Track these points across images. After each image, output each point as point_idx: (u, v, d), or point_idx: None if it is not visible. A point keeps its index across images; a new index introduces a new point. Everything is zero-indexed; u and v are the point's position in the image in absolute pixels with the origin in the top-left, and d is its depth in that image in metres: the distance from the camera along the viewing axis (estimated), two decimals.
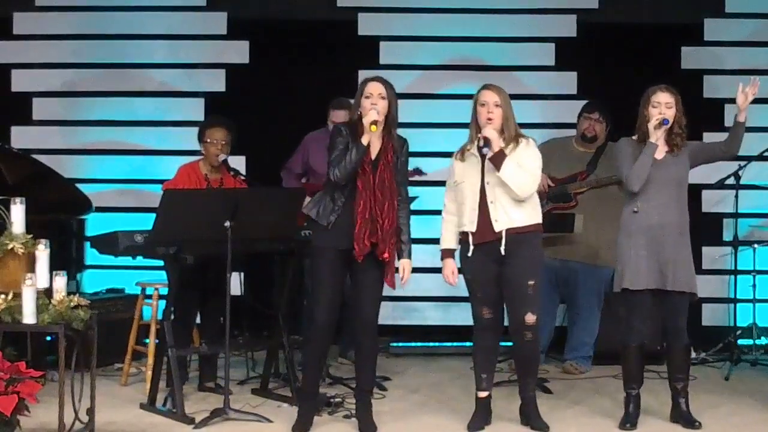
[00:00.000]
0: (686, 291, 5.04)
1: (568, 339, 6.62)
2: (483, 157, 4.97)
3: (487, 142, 4.92)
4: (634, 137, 5.14)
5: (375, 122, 4.82)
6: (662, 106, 5.04)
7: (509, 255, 4.94)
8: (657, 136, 5.02)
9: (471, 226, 4.98)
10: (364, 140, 4.82)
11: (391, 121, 4.94)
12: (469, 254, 4.99)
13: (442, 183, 7.46)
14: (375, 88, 4.91)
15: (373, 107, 4.85)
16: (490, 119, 4.95)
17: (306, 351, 5.23)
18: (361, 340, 5.02)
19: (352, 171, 4.83)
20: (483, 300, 5.01)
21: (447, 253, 5.12)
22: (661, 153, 5.07)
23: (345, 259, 4.90)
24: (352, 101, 5.28)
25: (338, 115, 6.23)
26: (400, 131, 5.09)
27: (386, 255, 4.85)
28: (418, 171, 6.54)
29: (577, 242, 6.32)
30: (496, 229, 4.94)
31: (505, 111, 4.99)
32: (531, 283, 4.96)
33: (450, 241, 5.11)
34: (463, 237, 5.04)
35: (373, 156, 4.90)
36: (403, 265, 5.00)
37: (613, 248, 6.43)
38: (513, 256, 4.94)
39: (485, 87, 5.05)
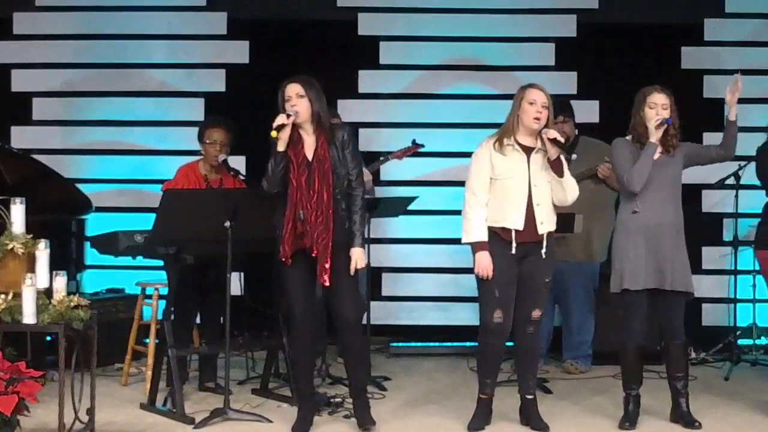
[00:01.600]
0: (683, 291, 5.04)
1: (565, 339, 6.61)
2: (529, 156, 4.93)
3: (559, 143, 4.86)
4: (628, 137, 5.13)
5: (278, 127, 4.76)
6: (659, 107, 5.03)
7: (532, 255, 4.95)
8: (657, 136, 5.02)
9: (517, 225, 4.91)
10: (279, 147, 4.80)
11: (317, 117, 4.88)
12: (513, 252, 4.91)
13: (442, 183, 7.52)
14: (292, 89, 4.87)
15: (292, 109, 4.82)
16: (537, 119, 4.91)
17: (293, 351, 5.22)
18: (347, 342, 4.99)
19: (274, 179, 4.82)
20: (500, 300, 4.94)
21: (482, 246, 4.92)
22: (656, 154, 5.07)
23: (307, 260, 4.86)
24: None
25: None
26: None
27: (315, 252, 4.79)
28: (415, 144, 6.52)
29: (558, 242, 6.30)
30: (540, 231, 4.93)
31: (550, 114, 4.97)
32: (547, 281, 5.02)
33: (482, 233, 4.94)
34: (501, 234, 4.93)
35: (311, 154, 4.86)
36: (352, 253, 4.87)
37: (594, 242, 6.42)
38: (536, 256, 4.95)
39: (533, 86, 4.99)
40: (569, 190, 4.95)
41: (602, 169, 6.31)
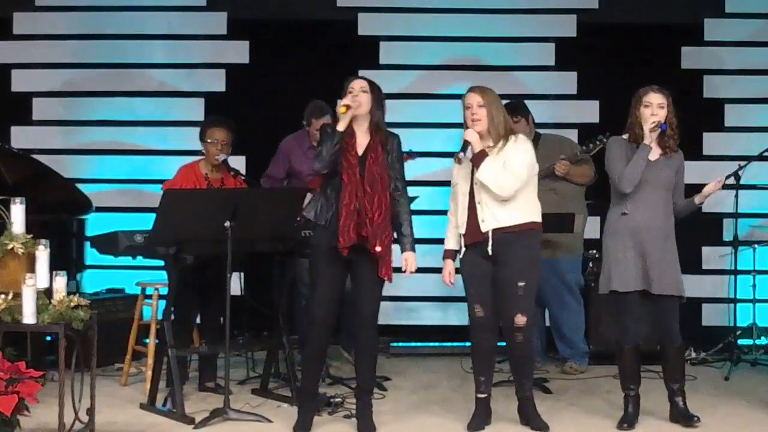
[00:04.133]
0: (673, 294, 5.03)
1: (555, 338, 6.60)
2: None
3: (466, 145, 4.95)
4: (624, 136, 5.12)
5: (346, 106, 4.84)
6: (654, 106, 5.01)
7: (500, 255, 4.94)
8: (652, 138, 5.01)
9: (462, 227, 5.03)
10: (339, 127, 4.85)
11: (376, 117, 4.95)
12: (461, 255, 5.04)
13: (441, 183, 7.51)
14: (357, 84, 4.96)
15: (355, 99, 4.88)
16: (474, 120, 4.96)
17: (304, 350, 5.23)
18: (360, 338, 5.02)
19: (329, 158, 4.84)
20: (475, 297, 5.02)
21: (446, 254, 5.16)
22: (654, 154, 5.06)
23: (343, 256, 4.90)
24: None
25: (320, 124, 6.15)
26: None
27: (378, 249, 4.84)
28: (410, 154, 6.50)
29: None
30: (483, 229, 4.96)
31: (490, 110, 4.98)
32: (521, 284, 4.95)
33: (450, 243, 5.15)
34: (462, 239, 5.07)
35: (361, 151, 4.92)
36: (406, 257, 5.00)
37: (567, 238, 6.39)
38: (504, 256, 4.95)
39: (469, 89, 5.06)
40: (490, 185, 4.91)
41: (559, 166, 6.29)
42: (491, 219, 4.95)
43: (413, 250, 5.02)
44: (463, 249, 5.03)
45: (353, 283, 5.00)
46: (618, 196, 5.07)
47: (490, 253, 4.94)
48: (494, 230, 4.94)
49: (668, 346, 5.12)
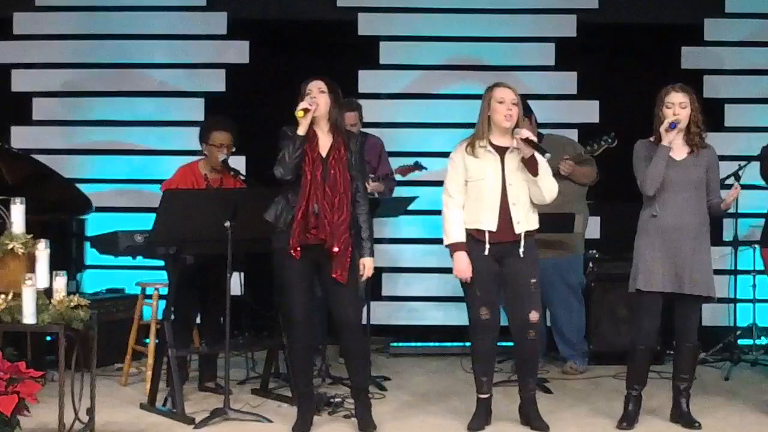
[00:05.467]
0: (704, 294, 5.03)
1: (557, 339, 6.60)
2: (503, 156, 4.95)
3: (531, 142, 4.89)
4: (651, 139, 5.09)
5: (304, 110, 4.82)
6: (676, 106, 5.00)
7: (511, 255, 4.94)
8: (669, 139, 4.98)
9: (490, 225, 4.93)
10: (300, 131, 4.83)
11: (333, 117, 4.93)
12: (485, 253, 4.94)
13: (442, 183, 7.49)
14: (315, 85, 4.94)
15: (312, 100, 4.87)
16: (507, 116, 4.93)
17: (291, 352, 5.22)
18: (347, 343, 5.00)
19: (293, 164, 4.82)
20: (482, 299, 4.98)
21: (460, 246, 4.98)
22: (681, 154, 5.04)
23: (309, 257, 4.88)
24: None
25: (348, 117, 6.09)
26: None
27: (336, 249, 4.80)
28: (418, 166, 6.50)
29: None
30: (517, 230, 4.93)
31: (520, 111, 4.99)
32: (533, 281, 4.98)
33: (460, 234, 4.99)
34: (475, 235, 4.97)
35: (324, 152, 4.90)
36: (363, 263, 4.92)
37: (567, 238, 6.39)
38: (515, 255, 4.94)
39: (500, 85, 5.02)
40: (545, 189, 4.94)
41: (563, 166, 6.28)
42: (525, 221, 4.95)
43: (371, 255, 4.95)
44: (488, 247, 4.95)
45: (323, 287, 4.95)
46: (647, 197, 5.06)
47: (521, 255, 4.93)
48: (525, 232, 4.95)
49: (683, 345, 5.12)
